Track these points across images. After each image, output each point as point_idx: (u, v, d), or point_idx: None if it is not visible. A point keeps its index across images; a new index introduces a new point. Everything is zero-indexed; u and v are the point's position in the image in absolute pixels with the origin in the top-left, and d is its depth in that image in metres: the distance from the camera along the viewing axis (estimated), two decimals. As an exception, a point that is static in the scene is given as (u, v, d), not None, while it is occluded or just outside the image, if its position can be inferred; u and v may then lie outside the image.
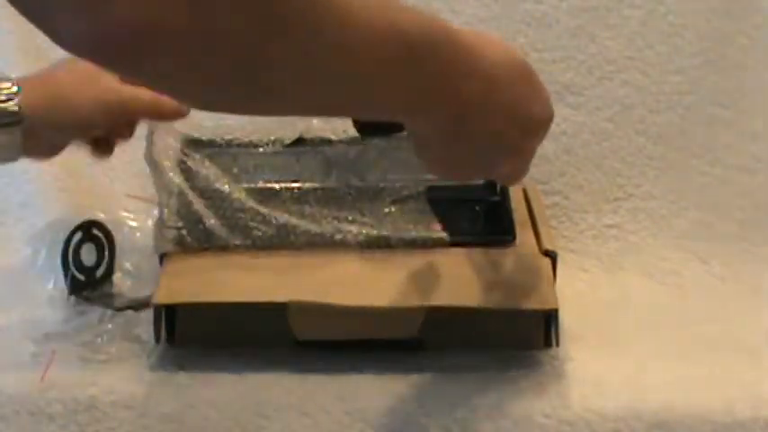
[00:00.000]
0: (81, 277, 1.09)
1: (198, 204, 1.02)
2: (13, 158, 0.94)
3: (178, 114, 0.98)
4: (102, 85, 0.95)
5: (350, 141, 1.06)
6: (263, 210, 1.02)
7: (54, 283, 1.10)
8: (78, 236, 1.10)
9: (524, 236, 1.04)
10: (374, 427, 0.91)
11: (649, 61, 1.25)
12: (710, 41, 1.25)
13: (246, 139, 1.07)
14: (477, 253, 1.00)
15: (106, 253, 1.12)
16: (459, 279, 0.97)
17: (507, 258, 1.00)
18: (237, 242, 1.01)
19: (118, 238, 1.13)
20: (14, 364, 0.96)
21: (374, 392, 0.92)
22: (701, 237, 1.22)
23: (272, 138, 1.07)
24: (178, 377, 0.94)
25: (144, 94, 0.96)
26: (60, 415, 0.92)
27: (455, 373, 0.94)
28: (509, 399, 0.91)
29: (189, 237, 1.01)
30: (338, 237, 1.01)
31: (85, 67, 0.93)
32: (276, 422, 0.91)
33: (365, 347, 0.95)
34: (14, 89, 0.91)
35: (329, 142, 1.07)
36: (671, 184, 1.24)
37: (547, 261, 0.99)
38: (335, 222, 1.02)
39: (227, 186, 1.03)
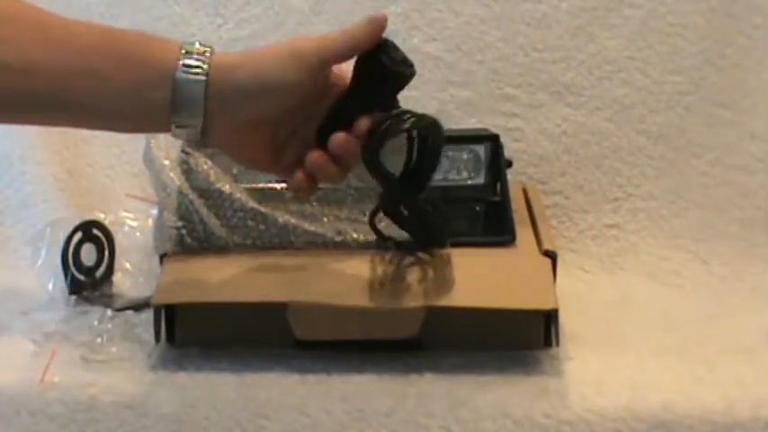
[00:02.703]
0: (81, 277, 1.09)
1: (198, 204, 1.02)
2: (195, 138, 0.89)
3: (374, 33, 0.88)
4: (293, 42, 0.88)
5: None
6: (264, 210, 1.02)
7: (54, 283, 1.10)
8: (78, 236, 1.10)
9: (524, 236, 1.04)
10: (374, 427, 0.91)
11: (649, 61, 1.25)
12: (710, 41, 1.25)
13: None
14: (477, 253, 1.00)
15: (106, 253, 1.12)
16: (459, 279, 0.96)
17: (507, 258, 1.00)
18: (237, 242, 1.01)
19: (118, 237, 1.13)
20: (14, 364, 0.96)
21: (374, 392, 0.92)
22: (701, 237, 1.22)
23: None
24: (178, 377, 0.94)
25: (331, 36, 0.88)
26: (60, 415, 0.92)
27: (455, 373, 0.94)
28: (509, 399, 0.91)
29: (189, 237, 1.01)
30: (338, 238, 1.01)
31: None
32: (276, 422, 0.91)
33: (365, 347, 0.95)
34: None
35: None
36: (671, 184, 1.24)
37: (547, 261, 0.99)
38: (336, 223, 1.02)
39: (227, 186, 1.03)
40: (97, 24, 0.87)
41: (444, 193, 1.05)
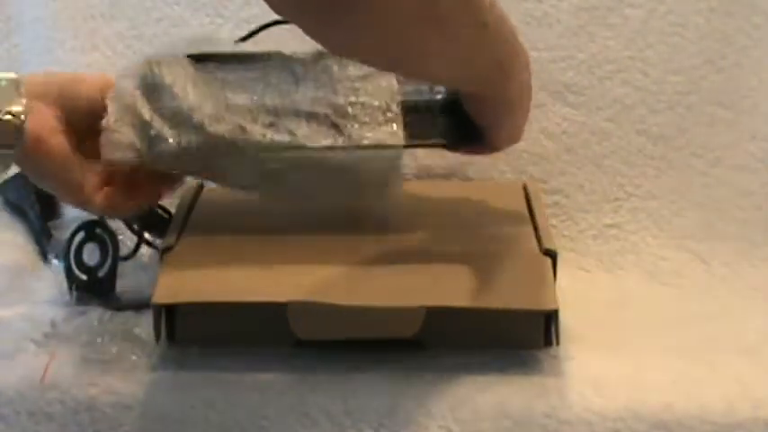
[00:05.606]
0: (82, 277, 1.09)
1: (143, 108, 0.98)
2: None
3: None
4: None
5: (317, 56, 1.01)
6: (216, 111, 0.98)
7: (54, 284, 1.10)
8: (81, 235, 1.10)
9: (524, 235, 1.04)
10: (374, 427, 0.91)
11: (649, 61, 1.25)
12: (710, 41, 1.25)
13: (211, 52, 1.03)
14: (477, 252, 1.00)
15: (110, 253, 1.12)
16: (458, 279, 0.97)
17: (507, 258, 1.00)
18: (184, 142, 0.97)
19: (120, 238, 1.13)
20: (14, 364, 0.96)
21: (374, 392, 0.92)
22: (701, 237, 1.22)
23: (238, 52, 1.03)
24: (178, 377, 0.94)
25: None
26: (60, 415, 0.92)
27: (455, 373, 0.94)
28: (509, 399, 0.91)
29: (138, 141, 0.98)
30: (294, 141, 0.98)
31: None
32: (276, 422, 0.91)
33: (365, 347, 0.95)
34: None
35: (296, 58, 1.01)
36: (671, 184, 1.24)
37: (547, 260, 0.99)
38: (295, 129, 0.98)
39: (181, 90, 0.99)
40: None
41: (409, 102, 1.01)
